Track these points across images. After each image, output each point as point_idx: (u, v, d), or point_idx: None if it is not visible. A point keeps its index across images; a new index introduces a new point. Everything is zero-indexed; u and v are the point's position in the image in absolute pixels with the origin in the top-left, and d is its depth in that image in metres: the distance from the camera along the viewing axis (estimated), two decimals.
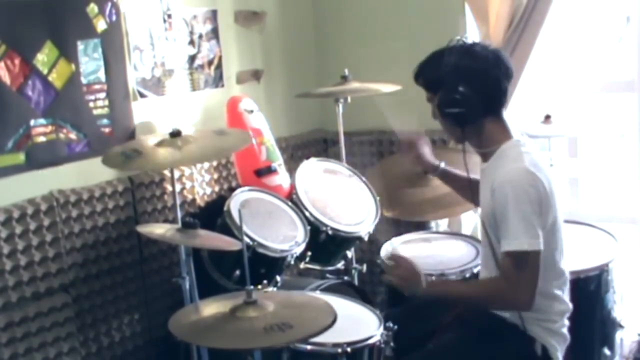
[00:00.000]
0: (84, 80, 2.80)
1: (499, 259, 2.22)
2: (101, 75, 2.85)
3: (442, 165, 2.67)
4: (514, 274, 2.15)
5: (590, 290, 2.74)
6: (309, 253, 2.90)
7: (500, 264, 2.20)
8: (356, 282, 3.12)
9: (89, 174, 2.85)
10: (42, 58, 2.66)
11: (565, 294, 2.31)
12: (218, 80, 3.38)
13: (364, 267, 3.14)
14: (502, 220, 2.17)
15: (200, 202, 3.24)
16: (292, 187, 3.04)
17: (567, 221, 2.47)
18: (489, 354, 2.28)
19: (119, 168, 2.59)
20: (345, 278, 3.12)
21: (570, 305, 2.33)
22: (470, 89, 2.20)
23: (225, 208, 2.71)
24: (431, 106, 2.35)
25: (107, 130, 2.88)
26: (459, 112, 2.22)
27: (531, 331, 2.26)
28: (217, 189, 3.33)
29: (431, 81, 2.29)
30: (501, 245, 2.18)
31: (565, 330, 2.32)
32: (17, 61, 2.59)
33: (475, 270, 2.77)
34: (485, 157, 2.33)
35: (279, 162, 3.24)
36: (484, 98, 2.23)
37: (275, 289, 2.73)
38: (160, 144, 2.59)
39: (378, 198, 3.14)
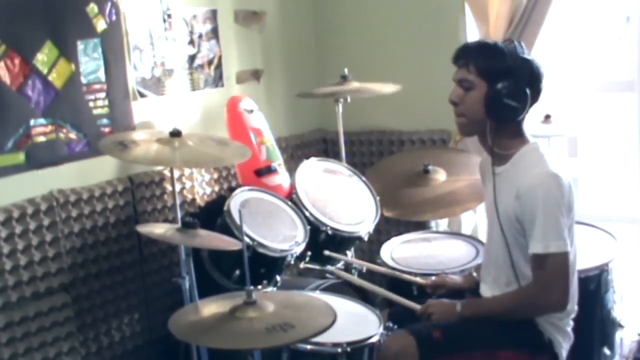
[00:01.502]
0: (83, 80, 2.80)
1: (515, 261, 2.26)
2: (101, 75, 2.85)
3: (474, 274, 2.63)
4: (544, 276, 2.19)
5: (590, 290, 2.73)
6: (309, 253, 2.90)
7: (530, 267, 2.23)
8: None
9: (89, 173, 2.85)
10: (42, 58, 2.66)
11: (574, 295, 2.33)
12: (218, 80, 3.37)
13: (364, 267, 3.13)
14: (531, 224, 2.19)
15: (200, 201, 3.24)
16: (292, 186, 3.04)
17: None
18: (496, 338, 2.30)
19: (114, 156, 2.59)
20: None
21: (576, 307, 2.34)
22: (531, 88, 2.24)
23: (225, 208, 2.71)
24: (456, 90, 2.30)
25: (107, 130, 2.88)
26: (516, 106, 2.23)
27: (539, 324, 2.29)
28: (217, 188, 3.33)
29: (493, 68, 2.24)
30: (530, 247, 2.21)
31: (569, 329, 2.34)
32: (17, 61, 2.59)
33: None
34: (500, 159, 2.32)
35: (279, 162, 3.24)
36: (533, 100, 2.26)
37: (275, 288, 2.73)
38: (159, 141, 2.60)
39: (378, 198, 3.14)
